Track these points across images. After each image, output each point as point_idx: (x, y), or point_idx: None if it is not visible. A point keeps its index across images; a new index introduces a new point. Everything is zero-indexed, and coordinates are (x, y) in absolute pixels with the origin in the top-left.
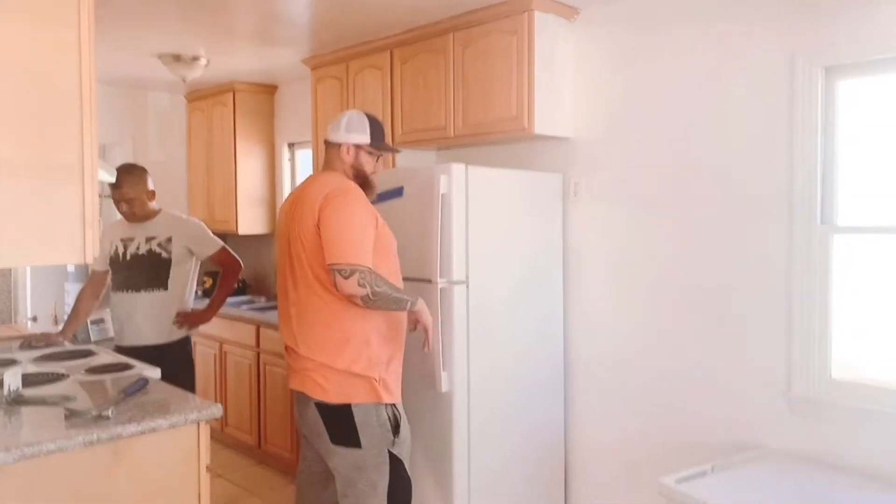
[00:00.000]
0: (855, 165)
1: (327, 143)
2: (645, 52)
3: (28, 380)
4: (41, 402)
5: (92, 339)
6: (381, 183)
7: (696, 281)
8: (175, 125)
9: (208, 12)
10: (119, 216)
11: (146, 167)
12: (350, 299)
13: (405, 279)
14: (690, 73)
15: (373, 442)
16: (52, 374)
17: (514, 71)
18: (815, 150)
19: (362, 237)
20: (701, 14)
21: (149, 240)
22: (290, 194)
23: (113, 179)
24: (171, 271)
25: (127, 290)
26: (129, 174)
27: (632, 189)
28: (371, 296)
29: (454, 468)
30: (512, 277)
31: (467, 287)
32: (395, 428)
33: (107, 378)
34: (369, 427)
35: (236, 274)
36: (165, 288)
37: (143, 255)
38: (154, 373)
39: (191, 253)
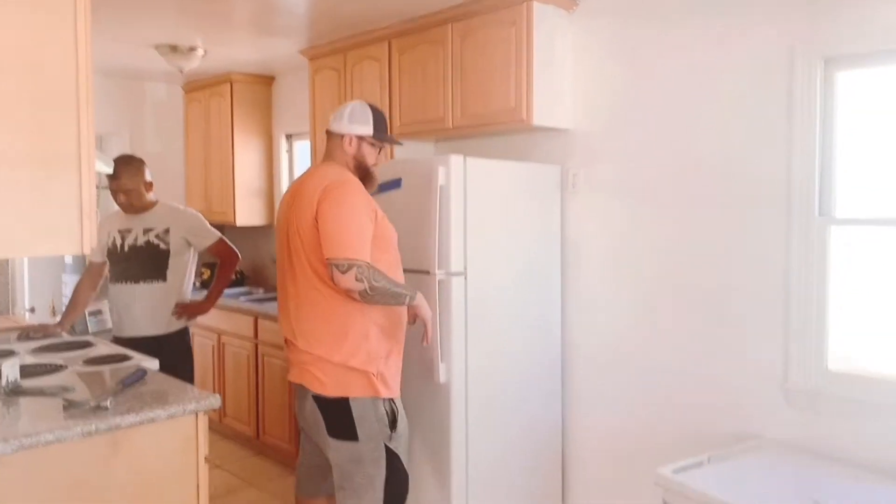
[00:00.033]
0: (853, 158)
1: (329, 133)
2: (644, 43)
3: (26, 371)
4: (39, 392)
5: (90, 330)
6: (380, 174)
7: (693, 273)
8: (172, 116)
9: (205, 2)
10: (116, 207)
11: (143, 158)
12: (347, 294)
13: (404, 271)
14: (690, 65)
15: (370, 436)
16: (51, 365)
17: (513, 62)
18: (814, 141)
19: (360, 231)
20: (700, 6)
21: (147, 231)
22: (290, 186)
23: (110, 170)
24: (170, 262)
25: (125, 282)
26: (127, 165)
27: (630, 181)
28: (368, 290)
29: (452, 459)
30: (510, 269)
31: (465, 279)
32: (393, 422)
33: (105, 369)
34: (367, 421)
35: (234, 265)
36: (164, 279)
37: (141, 246)
38: (152, 364)
39: (188, 244)
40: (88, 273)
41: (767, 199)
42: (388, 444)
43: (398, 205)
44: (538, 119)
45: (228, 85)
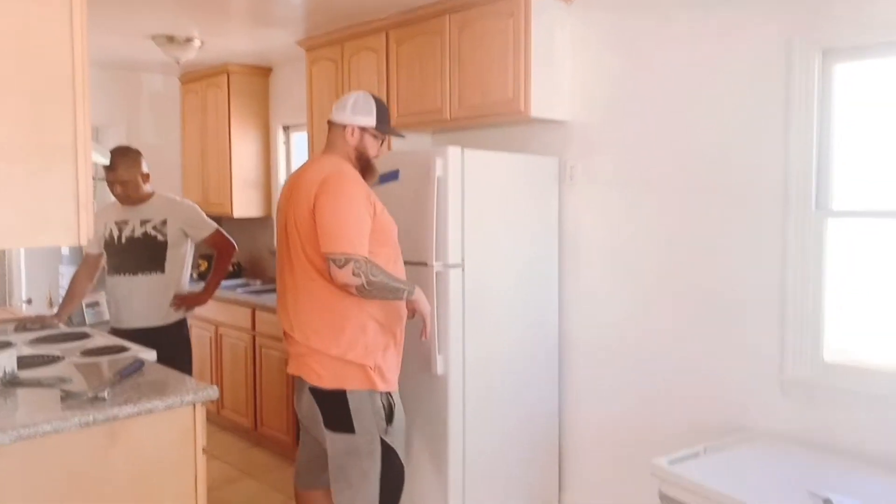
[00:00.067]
0: (851, 150)
1: (331, 124)
2: (642, 35)
3: (23, 362)
4: (37, 383)
5: (87, 321)
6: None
7: (690, 265)
8: (169, 108)
9: None
10: (112, 199)
11: (140, 150)
12: (344, 289)
13: None
14: (688, 57)
15: (366, 428)
16: (48, 356)
17: (511, 54)
18: (811, 133)
19: (358, 225)
20: None
21: (144, 223)
22: (290, 177)
23: (107, 162)
24: (168, 254)
25: (124, 274)
26: (124, 156)
27: (628, 173)
28: (366, 286)
29: (449, 450)
30: (508, 261)
31: (463, 270)
32: (389, 416)
33: (102, 360)
34: (363, 414)
35: (230, 256)
36: (162, 271)
37: (138, 238)
38: (150, 355)
39: (186, 235)
40: (85, 264)
41: (764, 192)
42: (384, 438)
43: (396, 196)
44: (536, 111)
45: (225, 76)
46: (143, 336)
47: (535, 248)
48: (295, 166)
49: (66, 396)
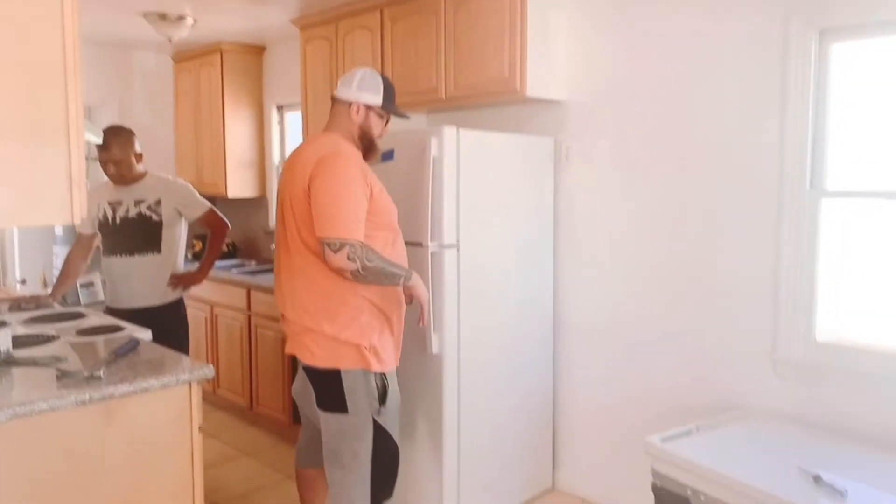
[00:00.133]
0: (846, 130)
1: (334, 100)
2: (639, 15)
3: (18, 341)
4: (32, 363)
5: (82, 301)
6: None
7: (685, 246)
8: (162, 87)
9: None
10: (105, 179)
11: (133, 129)
12: (339, 273)
13: None
14: (684, 37)
15: (359, 408)
16: (43, 335)
17: (507, 32)
18: (807, 113)
19: (354, 209)
20: None
21: (138, 203)
22: (290, 156)
23: (100, 141)
24: (163, 234)
25: (120, 255)
26: (117, 136)
27: (623, 154)
28: (361, 270)
29: (444, 430)
30: (502, 241)
31: (458, 251)
32: (383, 397)
33: (97, 339)
34: (357, 394)
35: (224, 235)
36: (158, 251)
37: (133, 218)
38: (145, 334)
39: (180, 215)
40: (79, 244)
41: (760, 172)
42: (376, 419)
43: (391, 176)
44: (532, 90)
45: (219, 55)
46: (140, 316)
47: (530, 229)
48: (289, 146)
49: (62, 375)
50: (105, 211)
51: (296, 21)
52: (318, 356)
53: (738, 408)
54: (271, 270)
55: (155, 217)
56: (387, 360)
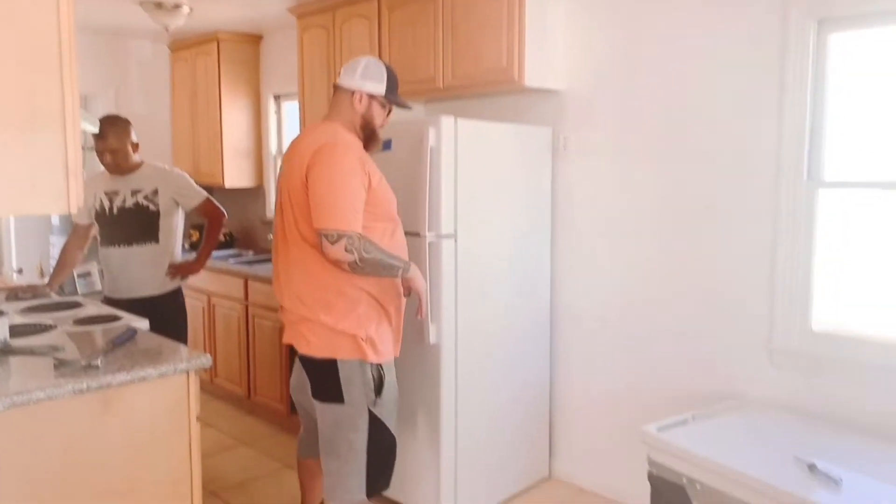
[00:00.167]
0: (844, 120)
1: (336, 88)
2: (637, 5)
3: (15, 330)
4: (29, 352)
5: (79, 291)
6: None
7: (682, 236)
8: (158, 76)
9: None
10: (101, 168)
11: (129, 119)
12: (337, 265)
13: None
14: (683, 26)
15: (354, 399)
16: (40, 324)
17: (505, 21)
18: (805, 103)
19: (352, 200)
20: None
21: (135, 193)
22: (290, 145)
23: (96, 130)
24: (160, 224)
25: (118, 245)
26: (114, 125)
27: (621, 144)
28: (358, 262)
29: (442, 419)
30: (500, 231)
31: (455, 241)
32: (379, 388)
33: (95, 329)
34: (353, 384)
35: (221, 224)
36: (157, 241)
37: (130, 208)
38: (142, 324)
39: (177, 204)
40: (75, 235)
41: (757, 162)
42: (372, 410)
43: (388, 166)
44: (530, 80)
45: (215, 44)
46: (140, 305)
47: (527, 219)
48: (286, 136)
49: (60, 364)
50: (102, 201)
51: (293, 10)
52: (314, 345)
53: (734, 397)
54: (269, 260)
55: (152, 207)
56: (384, 351)
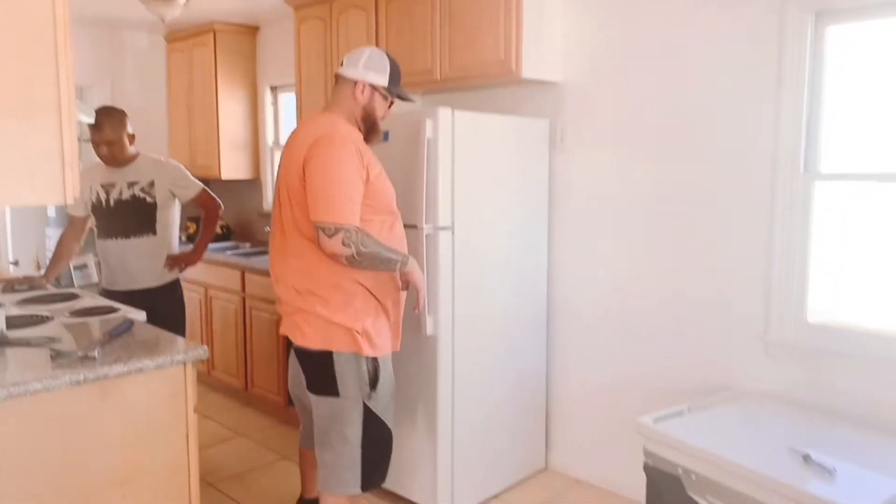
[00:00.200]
0: (840, 112)
1: (338, 78)
2: None
3: (12, 322)
4: (26, 343)
5: (75, 283)
6: None
7: (678, 229)
8: (154, 67)
9: None
10: (96, 160)
11: (125, 110)
12: (334, 258)
13: None
14: (680, 18)
15: (349, 392)
16: (37, 316)
17: (502, 13)
18: (802, 96)
19: (349, 193)
20: None
21: (131, 185)
22: (289, 136)
23: (92, 121)
24: (158, 215)
25: (116, 237)
26: (110, 116)
27: (619, 136)
28: (356, 256)
29: (439, 411)
30: (497, 224)
31: (452, 233)
32: (374, 381)
33: (92, 320)
34: (348, 377)
35: (217, 215)
36: (154, 233)
37: (126, 200)
38: (139, 315)
39: (173, 196)
40: (71, 227)
41: (754, 154)
42: (367, 403)
43: (385, 158)
44: (527, 71)
45: (212, 35)
46: (138, 297)
47: (525, 211)
48: (283, 127)
49: (56, 356)
50: (98, 193)
51: (289, 0)
52: (309, 337)
53: (730, 388)
54: (266, 252)
55: (149, 199)
56: (380, 345)
